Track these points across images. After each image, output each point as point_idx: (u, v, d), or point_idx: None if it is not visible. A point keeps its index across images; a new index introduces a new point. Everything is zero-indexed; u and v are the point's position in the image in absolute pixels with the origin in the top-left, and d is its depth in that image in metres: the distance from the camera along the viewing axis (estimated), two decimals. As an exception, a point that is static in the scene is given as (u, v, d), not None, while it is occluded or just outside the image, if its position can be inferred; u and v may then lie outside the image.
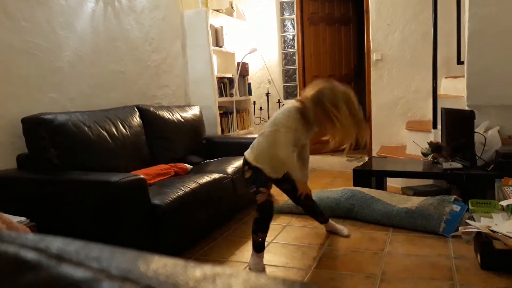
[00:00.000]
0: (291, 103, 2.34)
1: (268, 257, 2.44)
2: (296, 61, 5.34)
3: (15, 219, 1.90)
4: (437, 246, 2.54)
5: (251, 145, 2.43)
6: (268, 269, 2.34)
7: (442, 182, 3.63)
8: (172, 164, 3.18)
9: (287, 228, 3.01)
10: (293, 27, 5.30)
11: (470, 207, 2.74)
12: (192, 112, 3.89)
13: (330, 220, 2.82)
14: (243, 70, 4.97)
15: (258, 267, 2.33)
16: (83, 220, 2.32)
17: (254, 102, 5.26)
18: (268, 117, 5.26)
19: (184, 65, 4.44)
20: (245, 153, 2.43)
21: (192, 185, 2.67)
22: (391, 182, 3.91)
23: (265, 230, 2.38)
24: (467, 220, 2.59)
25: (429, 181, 3.74)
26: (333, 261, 2.42)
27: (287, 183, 2.58)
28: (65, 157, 2.54)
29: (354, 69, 5.72)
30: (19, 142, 2.59)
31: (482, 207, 2.73)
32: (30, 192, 2.42)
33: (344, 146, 2.26)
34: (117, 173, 2.37)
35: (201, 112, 4.01)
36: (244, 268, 2.39)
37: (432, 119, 3.85)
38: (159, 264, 0.30)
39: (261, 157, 2.36)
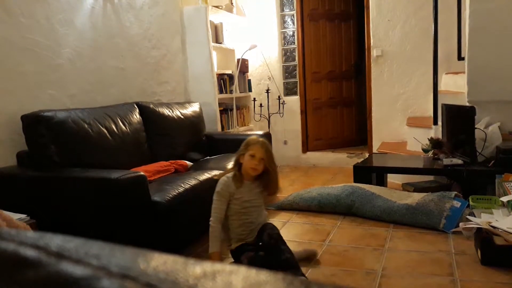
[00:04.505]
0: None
1: (269, 253, 2.44)
2: (296, 58, 5.33)
3: (15, 216, 1.90)
4: (437, 242, 2.54)
5: None
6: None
7: (443, 178, 3.63)
8: (172, 161, 3.18)
9: (287, 224, 3.01)
10: (293, 23, 5.29)
11: (471, 203, 2.75)
12: (192, 108, 3.88)
13: None
14: (243, 66, 4.96)
15: None
16: (83, 217, 2.32)
17: (254, 98, 5.25)
18: (268, 114, 5.25)
19: (184, 61, 4.43)
20: None
21: (192, 182, 2.67)
22: (392, 178, 3.91)
23: None
24: (468, 216, 2.60)
25: (430, 177, 3.74)
26: (333, 257, 2.43)
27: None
28: (65, 154, 2.54)
29: (355, 65, 5.71)
30: (18, 139, 2.59)
31: (483, 203, 2.73)
32: (30, 189, 2.42)
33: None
34: (117, 170, 2.36)
35: (201, 109, 4.00)
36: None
37: (432, 115, 3.84)
38: (159, 262, 0.30)
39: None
